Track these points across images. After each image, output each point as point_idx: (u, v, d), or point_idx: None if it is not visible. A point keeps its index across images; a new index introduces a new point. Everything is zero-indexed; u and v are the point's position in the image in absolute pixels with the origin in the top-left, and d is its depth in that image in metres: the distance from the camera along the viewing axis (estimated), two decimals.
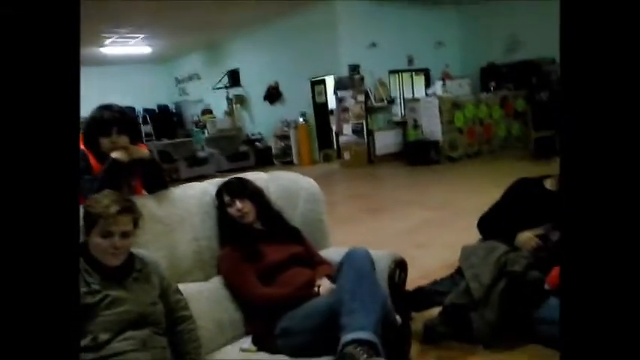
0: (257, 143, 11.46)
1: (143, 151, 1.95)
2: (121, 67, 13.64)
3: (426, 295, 2.45)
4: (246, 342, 1.86)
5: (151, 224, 1.81)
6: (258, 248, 1.94)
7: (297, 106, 10.39)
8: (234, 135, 11.57)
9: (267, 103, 11.27)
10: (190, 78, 14.35)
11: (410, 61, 10.05)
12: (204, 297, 1.90)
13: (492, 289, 2.16)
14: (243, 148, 11.19)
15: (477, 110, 8.73)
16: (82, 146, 1.86)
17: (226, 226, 2.00)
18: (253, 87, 11.71)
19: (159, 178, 2.00)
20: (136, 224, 1.55)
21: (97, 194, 1.55)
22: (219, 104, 12.82)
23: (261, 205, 2.04)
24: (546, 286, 2.13)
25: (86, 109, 1.78)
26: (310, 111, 10.26)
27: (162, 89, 14.78)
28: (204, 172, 9.49)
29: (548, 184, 2.50)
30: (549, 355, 2.05)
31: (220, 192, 2.03)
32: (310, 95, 10.19)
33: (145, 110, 14.18)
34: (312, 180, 2.34)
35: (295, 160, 10.33)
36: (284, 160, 10.69)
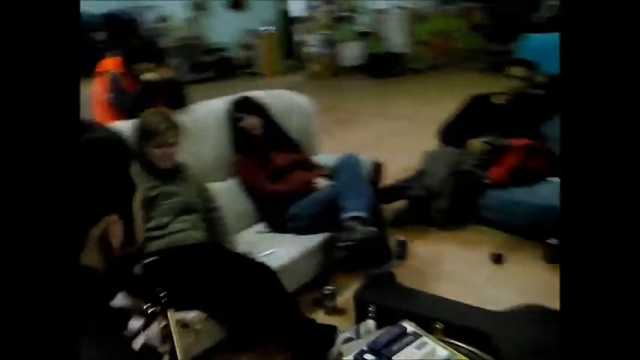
0: (220, 53, 11.35)
1: (169, 71, 2.32)
2: None
3: (394, 191, 3.04)
4: (260, 227, 2.41)
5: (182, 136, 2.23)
6: (267, 155, 2.41)
7: (261, 14, 10.26)
8: (195, 44, 11.33)
9: (229, 10, 11.03)
10: None
11: None
12: (224, 194, 2.39)
13: (446, 184, 2.76)
14: (206, 58, 11.06)
15: (441, 23, 9.02)
16: (119, 70, 2.21)
17: (239, 137, 2.45)
18: None
19: (182, 96, 2.38)
20: (179, 136, 1.98)
21: (146, 112, 1.94)
22: (176, 11, 12.35)
23: (266, 119, 2.48)
24: (488, 181, 2.75)
25: None
26: (275, 20, 10.18)
27: None
28: None
29: (496, 100, 3.03)
30: (488, 232, 2.72)
31: (232, 108, 2.45)
32: (276, 3, 10.06)
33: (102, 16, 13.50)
34: (305, 98, 2.77)
35: (260, 71, 10.41)
36: (248, 71, 10.72)
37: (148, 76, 2.20)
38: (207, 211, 2.13)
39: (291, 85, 8.73)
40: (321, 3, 8.94)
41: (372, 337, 1.40)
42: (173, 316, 0.96)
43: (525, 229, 2.57)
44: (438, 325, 1.74)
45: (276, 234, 2.32)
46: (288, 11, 10.26)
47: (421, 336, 1.28)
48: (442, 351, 1.23)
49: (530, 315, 1.89)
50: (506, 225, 2.66)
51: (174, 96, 2.35)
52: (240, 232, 2.40)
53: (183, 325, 1.45)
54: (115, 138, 0.64)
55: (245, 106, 2.44)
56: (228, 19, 11.13)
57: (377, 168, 2.60)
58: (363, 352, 1.23)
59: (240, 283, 1.73)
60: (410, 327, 1.31)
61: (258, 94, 2.67)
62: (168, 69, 2.39)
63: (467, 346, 1.36)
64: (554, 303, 1.94)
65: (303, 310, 1.87)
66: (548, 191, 2.55)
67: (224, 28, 11.43)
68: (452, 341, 1.41)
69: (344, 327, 1.86)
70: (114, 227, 0.61)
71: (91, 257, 0.59)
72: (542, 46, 3.76)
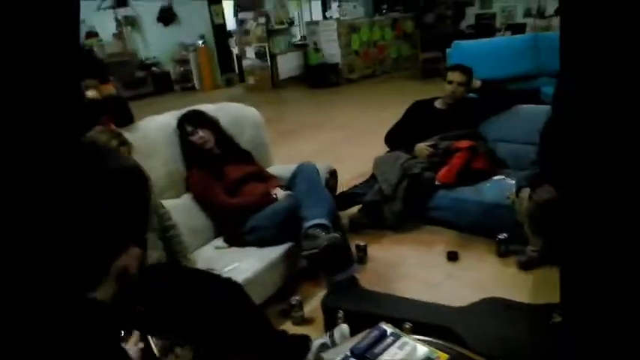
0: (154, 68, 11.04)
1: (111, 89, 2.22)
2: None
3: (348, 197, 3.08)
4: (219, 242, 2.35)
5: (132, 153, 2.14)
6: (221, 169, 2.37)
7: (194, 27, 10.10)
8: (127, 60, 10.96)
9: (161, 24, 10.76)
10: None
11: None
12: (179, 211, 2.31)
13: (398, 187, 2.84)
14: (140, 74, 10.73)
15: (371, 33, 9.31)
16: None
17: (190, 151, 2.38)
18: (144, 7, 11.01)
19: (126, 112, 2.29)
20: (130, 153, 1.90)
21: (93, 131, 1.85)
22: (105, 26, 11.87)
23: (218, 133, 2.44)
24: (437, 182, 2.86)
25: None
26: (209, 33, 10.06)
27: None
28: None
29: (438, 104, 3.17)
30: (441, 231, 2.82)
31: (182, 123, 2.38)
32: (208, 16, 9.95)
33: None
34: (255, 110, 2.76)
35: (197, 86, 10.23)
36: (185, 85, 10.51)
37: (92, 93, 2.09)
38: (163, 229, 2.05)
39: (231, 98, 8.60)
40: (253, 15, 8.95)
41: (348, 342, 1.40)
42: (152, 341, 0.91)
43: (475, 227, 2.70)
44: (406, 325, 1.79)
45: (236, 248, 2.28)
46: (226, 24, 10.17)
47: (401, 336, 1.30)
48: (422, 349, 1.26)
49: (491, 307, 1.98)
50: (457, 224, 2.77)
51: (120, 113, 2.25)
52: (199, 248, 2.33)
53: (164, 349, 1.39)
54: (136, 164, 0.61)
55: (195, 119, 2.38)
56: (160, 34, 10.86)
57: (333, 174, 2.63)
58: (347, 357, 1.24)
59: (207, 301, 1.67)
60: (389, 328, 1.33)
61: (207, 108, 2.62)
62: (111, 85, 2.29)
63: (441, 342, 1.40)
64: (508, 294, 2.07)
65: (271, 322, 1.85)
66: (493, 189, 2.69)
67: (156, 43, 11.14)
68: (424, 338, 1.44)
69: (314, 335, 1.85)
70: (137, 260, 0.58)
71: (107, 291, 0.56)
72: (471, 52, 4.00)
